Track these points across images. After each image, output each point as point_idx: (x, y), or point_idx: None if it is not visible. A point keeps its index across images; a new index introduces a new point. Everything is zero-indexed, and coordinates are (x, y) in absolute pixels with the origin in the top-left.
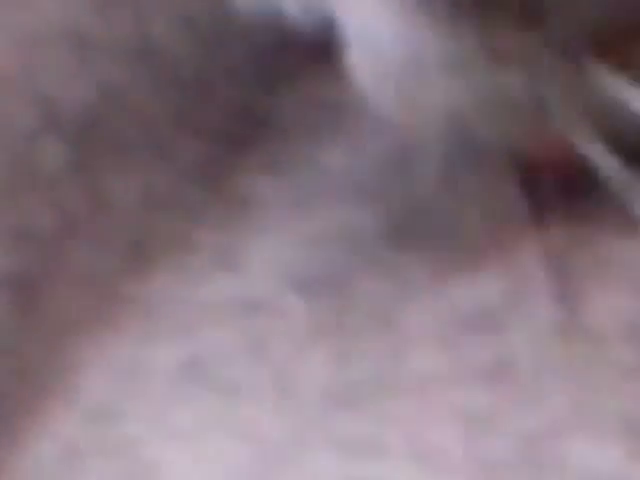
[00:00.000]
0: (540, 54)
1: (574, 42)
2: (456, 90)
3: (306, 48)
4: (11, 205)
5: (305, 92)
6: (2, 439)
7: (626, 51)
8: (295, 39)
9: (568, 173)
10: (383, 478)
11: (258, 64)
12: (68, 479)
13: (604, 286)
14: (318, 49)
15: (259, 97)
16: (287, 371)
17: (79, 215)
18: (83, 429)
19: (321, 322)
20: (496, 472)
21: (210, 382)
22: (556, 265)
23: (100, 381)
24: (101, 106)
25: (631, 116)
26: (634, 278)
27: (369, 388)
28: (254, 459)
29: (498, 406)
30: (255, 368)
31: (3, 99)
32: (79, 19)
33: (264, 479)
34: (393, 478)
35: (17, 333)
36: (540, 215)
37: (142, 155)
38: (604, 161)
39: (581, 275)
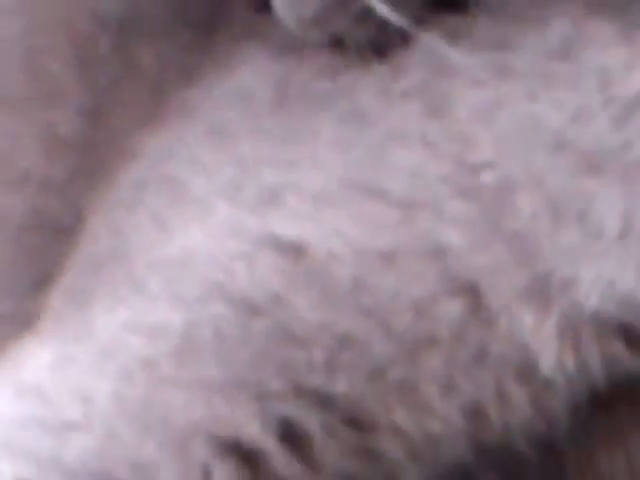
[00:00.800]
0: None
1: None
2: None
3: None
4: (80, 77)
5: None
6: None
7: None
8: None
9: None
10: None
11: None
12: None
13: None
14: None
15: None
16: None
17: (121, 75)
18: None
19: None
20: None
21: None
22: None
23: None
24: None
25: None
26: None
27: None
28: None
29: None
30: None
31: (65, 8)
32: None
33: None
34: None
35: (92, 136)
36: None
37: (156, 35)
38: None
39: None
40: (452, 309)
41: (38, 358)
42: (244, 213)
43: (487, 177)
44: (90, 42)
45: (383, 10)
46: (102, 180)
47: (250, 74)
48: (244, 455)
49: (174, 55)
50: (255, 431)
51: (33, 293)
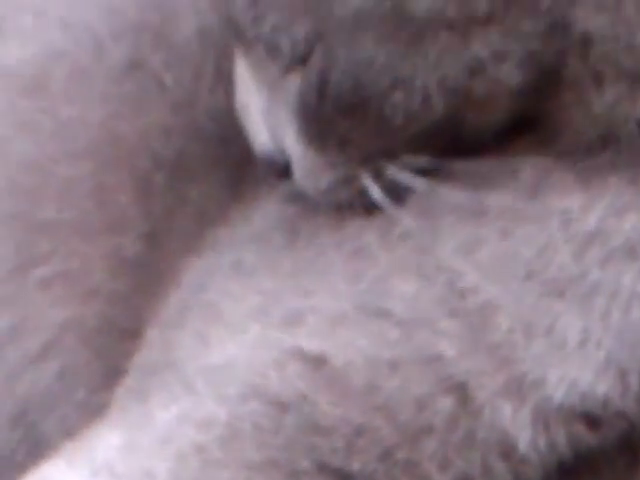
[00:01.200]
0: None
1: None
2: None
3: None
4: (140, 207)
5: None
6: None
7: None
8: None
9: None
10: None
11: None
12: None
13: None
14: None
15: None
16: None
17: (173, 206)
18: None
19: None
20: None
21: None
22: None
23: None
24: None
25: None
26: None
27: None
28: None
29: None
30: None
31: (126, 150)
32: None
33: None
34: None
35: (150, 258)
36: None
37: (200, 173)
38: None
39: None
40: (446, 404)
41: (108, 442)
42: (273, 331)
43: (472, 300)
44: (148, 178)
45: (375, 193)
46: (157, 296)
47: (262, 220)
48: None
49: (213, 192)
50: None
51: (103, 386)
